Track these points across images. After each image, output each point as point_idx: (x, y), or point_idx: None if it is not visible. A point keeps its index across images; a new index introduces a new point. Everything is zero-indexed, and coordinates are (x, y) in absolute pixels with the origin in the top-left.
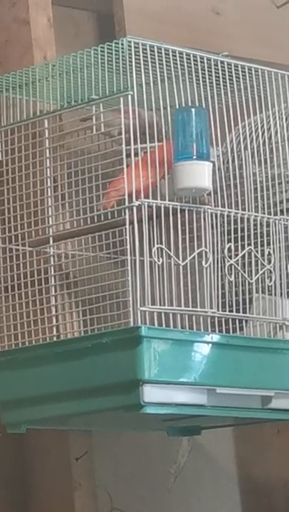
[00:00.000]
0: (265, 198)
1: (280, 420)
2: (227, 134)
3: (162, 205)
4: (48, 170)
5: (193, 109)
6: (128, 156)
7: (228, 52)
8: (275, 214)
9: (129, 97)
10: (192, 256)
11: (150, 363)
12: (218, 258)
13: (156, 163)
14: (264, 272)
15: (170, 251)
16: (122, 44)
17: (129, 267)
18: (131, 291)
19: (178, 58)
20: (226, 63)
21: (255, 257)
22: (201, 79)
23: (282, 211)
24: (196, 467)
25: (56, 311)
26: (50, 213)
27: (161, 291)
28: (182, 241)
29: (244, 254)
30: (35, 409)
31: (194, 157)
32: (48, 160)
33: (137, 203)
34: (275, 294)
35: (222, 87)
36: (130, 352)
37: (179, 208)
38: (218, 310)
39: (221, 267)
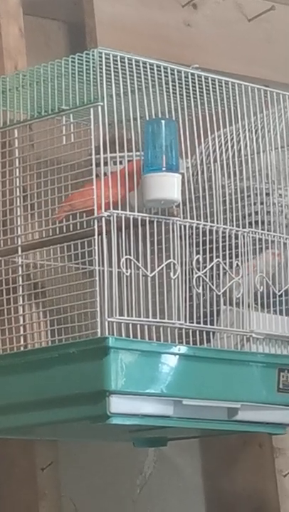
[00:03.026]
0: (234, 211)
1: (246, 432)
2: (197, 146)
3: (131, 217)
4: (18, 179)
5: (163, 121)
6: (98, 165)
7: (198, 64)
8: (244, 226)
9: (100, 107)
10: (160, 267)
11: (117, 374)
12: (186, 270)
13: (125, 178)
14: (232, 284)
15: (138, 262)
16: (93, 55)
17: (97, 278)
18: (99, 302)
19: (148, 70)
20: (196, 75)
21: (224, 269)
22: (171, 91)
23: (250, 224)
24: (161, 478)
25: (24, 321)
26: (19, 223)
27: (129, 302)
28: (150, 252)
29: (212, 266)
30: (1, 418)
31: (163, 169)
32: (17, 170)
33: (105, 214)
34: (243, 307)
35: (192, 99)
36: (97, 362)
37: (147, 219)
38: (185, 322)
39: (189, 278)
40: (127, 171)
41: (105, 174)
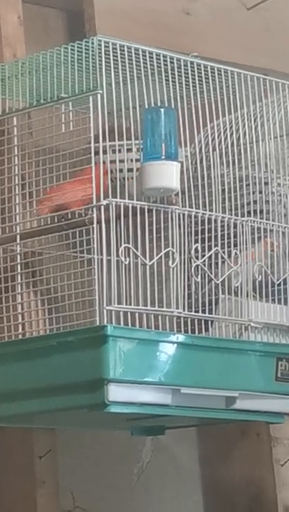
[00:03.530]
0: (232, 200)
1: (243, 421)
2: (196, 134)
3: (130, 205)
4: (16, 167)
5: (162, 109)
6: (96, 153)
7: (197, 53)
8: (243, 215)
9: (98, 95)
10: (159, 256)
11: (115, 362)
12: (185, 258)
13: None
14: (230, 273)
15: (137, 250)
16: (92, 43)
17: (95, 266)
18: (97, 290)
19: (148, 58)
20: (195, 64)
21: (222, 257)
22: (170, 79)
23: (249, 213)
24: (159, 467)
25: (22, 309)
26: (17, 211)
27: (127, 290)
28: (149, 241)
29: (211, 255)
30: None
31: (163, 157)
32: (16, 158)
33: (104, 202)
34: (241, 295)
35: (191, 87)
36: (96, 351)
37: (146, 207)
38: (184, 310)
39: (188, 267)
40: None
41: (104, 163)
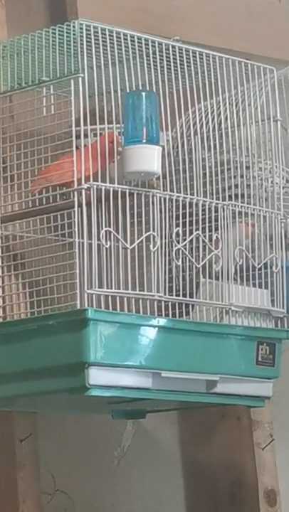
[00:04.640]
0: (214, 184)
1: (224, 405)
2: (177, 118)
3: (111, 189)
4: None
5: (143, 93)
6: (78, 137)
7: (179, 37)
8: (224, 199)
9: (80, 79)
10: (140, 240)
11: (96, 346)
12: (166, 242)
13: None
14: (211, 257)
15: (118, 234)
16: (74, 26)
17: (76, 250)
18: (78, 274)
19: (129, 42)
20: (177, 48)
21: (203, 241)
22: (152, 63)
23: (230, 197)
24: (140, 451)
25: (3, 292)
26: None
27: (108, 274)
28: (130, 225)
29: (192, 239)
30: None
31: (144, 141)
32: None
33: (85, 186)
34: (222, 279)
35: (173, 71)
36: (76, 334)
37: (127, 191)
38: (165, 294)
39: (169, 251)
40: (98, 144)
41: (85, 146)
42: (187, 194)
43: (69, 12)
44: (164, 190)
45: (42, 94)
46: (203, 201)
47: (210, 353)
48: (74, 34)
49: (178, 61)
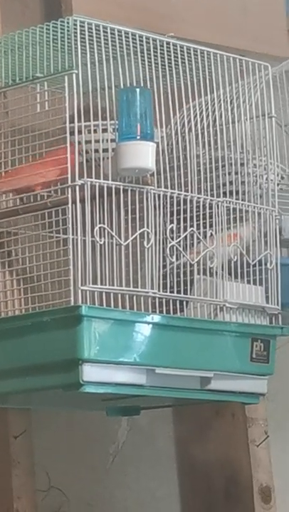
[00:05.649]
0: (208, 180)
1: (218, 401)
2: (172, 115)
3: (105, 185)
4: None
5: (137, 89)
6: (72, 133)
7: (175, 34)
8: (218, 196)
9: (74, 75)
10: (134, 236)
11: (90, 342)
12: (160, 239)
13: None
14: (206, 254)
15: (112, 231)
16: (68, 23)
17: (70, 246)
18: (72, 270)
19: (123, 38)
20: (171, 44)
21: (198, 238)
22: (146, 60)
23: (225, 193)
24: (134, 447)
25: None
26: None
27: (102, 270)
28: (124, 221)
29: (186, 236)
30: None
31: (138, 137)
32: None
33: (79, 182)
34: (217, 276)
35: (167, 68)
36: (70, 331)
37: (121, 187)
38: (159, 291)
39: (163, 247)
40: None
41: (79, 143)
42: (182, 191)
43: (63, 9)
44: (158, 187)
45: (36, 91)
46: (198, 198)
47: (204, 350)
48: (68, 30)
49: (172, 58)
